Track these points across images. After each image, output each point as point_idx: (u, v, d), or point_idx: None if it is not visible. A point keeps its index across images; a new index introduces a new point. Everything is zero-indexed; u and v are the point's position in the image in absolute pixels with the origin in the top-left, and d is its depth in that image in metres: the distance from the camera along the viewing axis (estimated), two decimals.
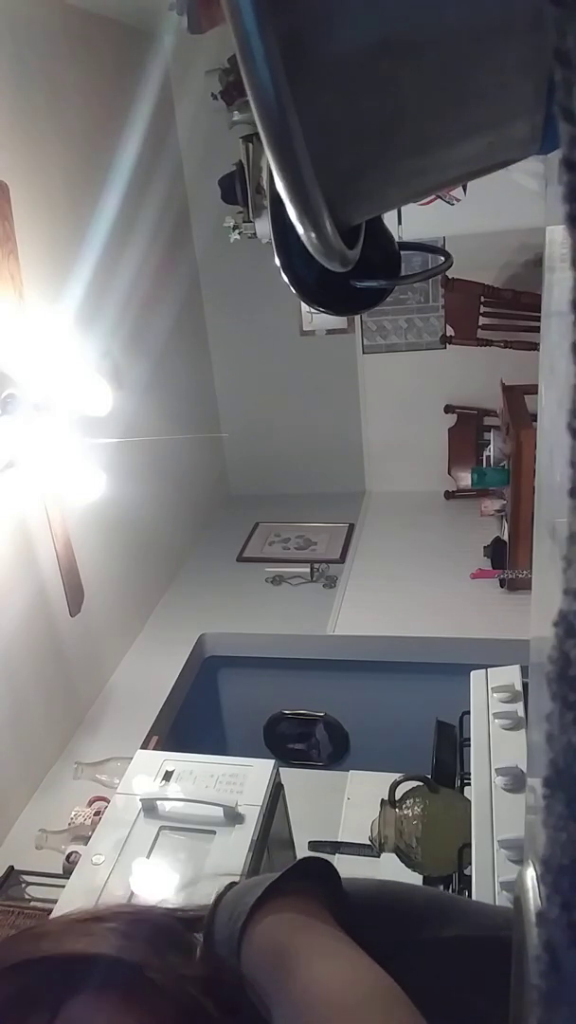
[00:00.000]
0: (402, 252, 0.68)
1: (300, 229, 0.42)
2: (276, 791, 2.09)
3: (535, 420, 2.09)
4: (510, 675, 2.00)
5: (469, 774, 1.79)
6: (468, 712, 1.95)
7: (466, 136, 0.46)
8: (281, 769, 2.16)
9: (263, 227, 3.19)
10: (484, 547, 3.31)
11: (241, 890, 0.60)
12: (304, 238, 0.43)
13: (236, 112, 3.05)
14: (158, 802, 2.01)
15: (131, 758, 2.24)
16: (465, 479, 3.72)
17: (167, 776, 2.11)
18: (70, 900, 1.81)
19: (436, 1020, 0.49)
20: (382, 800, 1.82)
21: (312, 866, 0.61)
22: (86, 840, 2.05)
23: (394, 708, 2.95)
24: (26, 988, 0.52)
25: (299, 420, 4.21)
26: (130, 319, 3.02)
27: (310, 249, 0.45)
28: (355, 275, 0.57)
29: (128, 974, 0.53)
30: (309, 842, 2.41)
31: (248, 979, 0.53)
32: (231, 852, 1.87)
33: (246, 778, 2.07)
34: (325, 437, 4.22)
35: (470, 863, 1.55)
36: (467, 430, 3.87)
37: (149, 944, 0.56)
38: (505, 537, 3.13)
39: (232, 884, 0.63)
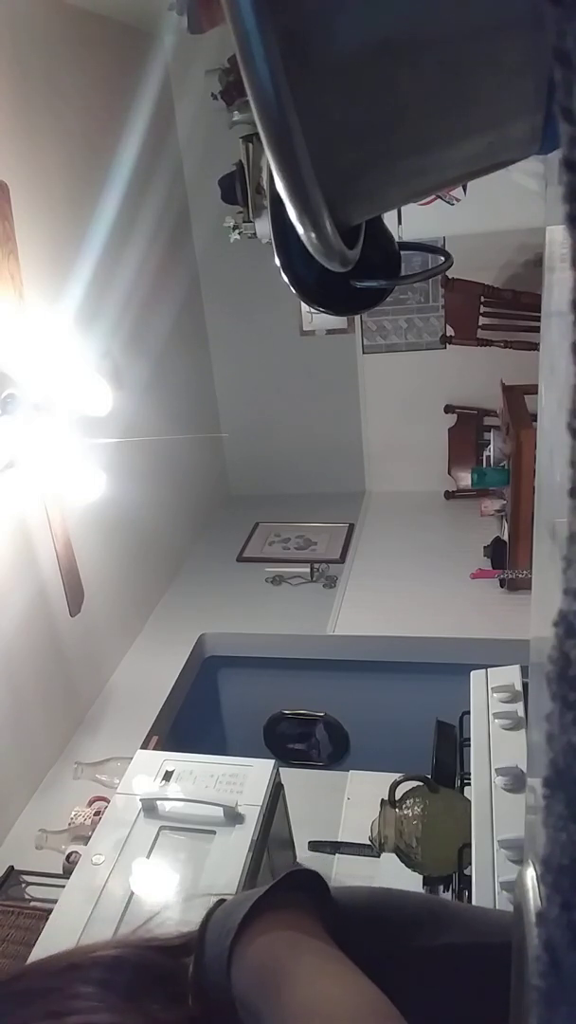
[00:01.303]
0: (402, 252, 0.68)
1: (300, 229, 0.42)
2: (276, 791, 2.09)
3: (535, 420, 2.09)
4: (510, 675, 2.00)
5: (469, 774, 1.79)
6: (468, 712, 1.95)
7: (466, 136, 0.46)
8: (281, 769, 2.16)
9: (263, 227, 3.19)
10: (484, 547, 3.31)
11: (228, 908, 0.59)
12: (304, 238, 0.43)
13: (236, 112, 3.06)
14: (158, 802, 2.01)
15: (131, 758, 2.24)
16: (465, 479, 3.72)
17: (167, 776, 2.11)
18: (70, 900, 1.81)
19: None
20: (382, 800, 1.82)
21: (300, 878, 0.60)
22: (86, 840, 2.06)
23: (394, 708, 2.95)
24: None
25: (299, 420, 4.21)
26: (130, 319, 3.02)
27: (310, 249, 0.45)
28: (355, 275, 0.57)
29: None
30: (309, 842, 2.41)
31: (239, 1000, 0.53)
32: (231, 852, 1.87)
33: (246, 778, 2.07)
34: (325, 437, 4.22)
35: (470, 863, 1.55)
36: (467, 430, 3.87)
37: (129, 996, 0.55)
38: (505, 537, 3.13)
39: (221, 901, 0.62)
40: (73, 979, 0.57)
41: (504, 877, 1.44)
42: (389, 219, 0.64)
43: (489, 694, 1.95)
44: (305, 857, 2.36)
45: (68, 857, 2.09)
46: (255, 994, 0.52)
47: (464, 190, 2.79)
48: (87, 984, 0.56)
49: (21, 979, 0.59)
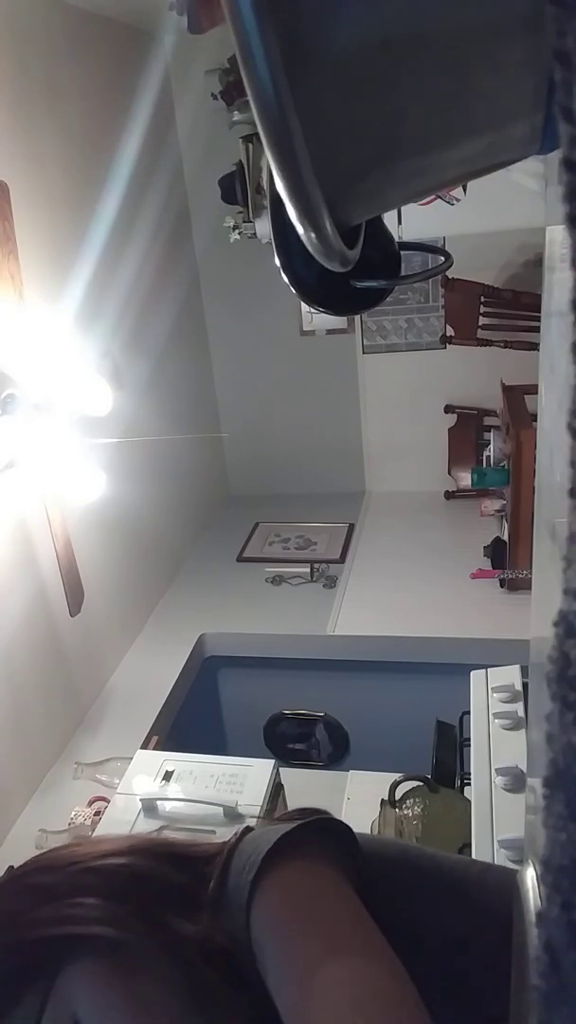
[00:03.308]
0: (402, 252, 0.68)
1: (300, 229, 0.42)
2: (276, 791, 2.09)
3: (535, 420, 2.09)
4: (510, 675, 2.00)
5: (469, 774, 1.79)
6: (468, 712, 1.95)
7: (466, 136, 0.46)
8: (281, 769, 2.16)
9: (263, 227, 3.19)
10: (484, 547, 3.31)
11: (256, 838, 0.60)
12: (304, 238, 0.43)
13: (236, 112, 3.05)
14: (158, 802, 2.01)
15: (131, 758, 2.24)
16: (465, 479, 3.72)
17: (167, 776, 2.11)
18: None
19: (445, 1000, 0.49)
20: (382, 800, 1.82)
21: (327, 825, 0.60)
22: None
23: (394, 708, 2.95)
24: (19, 967, 0.54)
25: (299, 420, 4.21)
26: (130, 319, 3.02)
27: (310, 249, 0.45)
28: (355, 275, 0.57)
29: (118, 944, 0.53)
30: None
31: (253, 936, 0.53)
32: None
33: (246, 778, 2.07)
34: (325, 437, 4.22)
35: None
36: (467, 430, 3.87)
37: (136, 910, 0.55)
38: (505, 537, 3.13)
39: (248, 829, 0.62)
40: (84, 885, 0.58)
41: None
42: (389, 219, 0.64)
43: (489, 694, 1.95)
44: None
45: None
46: (268, 940, 0.53)
47: (464, 190, 2.78)
48: (93, 893, 0.57)
49: (38, 872, 0.61)
